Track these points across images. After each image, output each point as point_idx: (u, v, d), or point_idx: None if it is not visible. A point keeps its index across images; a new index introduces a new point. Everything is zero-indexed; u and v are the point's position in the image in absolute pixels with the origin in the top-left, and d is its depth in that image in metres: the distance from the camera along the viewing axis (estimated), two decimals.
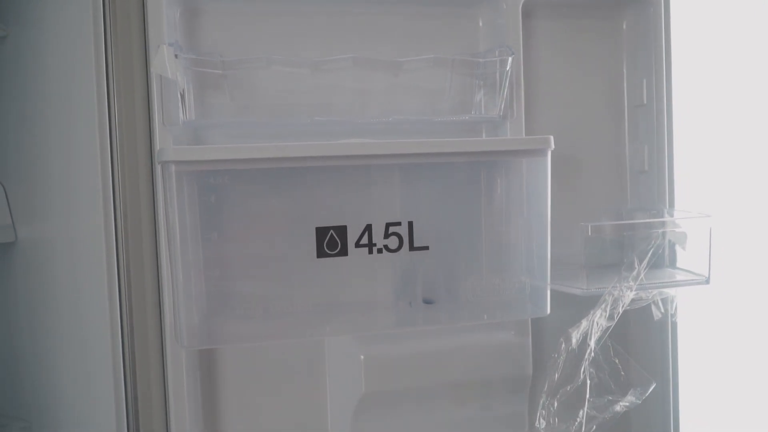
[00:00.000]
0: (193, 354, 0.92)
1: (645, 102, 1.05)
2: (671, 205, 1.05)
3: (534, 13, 1.02)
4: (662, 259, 1.01)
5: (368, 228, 0.84)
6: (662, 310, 0.96)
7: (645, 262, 0.86)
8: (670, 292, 0.96)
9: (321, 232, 0.83)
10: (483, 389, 1.00)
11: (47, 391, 0.98)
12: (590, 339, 0.84)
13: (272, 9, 0.94)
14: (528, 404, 1.01)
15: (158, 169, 0.87)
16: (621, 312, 0.86)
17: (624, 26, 1.07)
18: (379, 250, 0.84)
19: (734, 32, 1.12)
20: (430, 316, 0.91)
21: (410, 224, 0.85)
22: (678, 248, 1.00)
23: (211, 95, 0.93)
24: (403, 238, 0.85)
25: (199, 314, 0.82)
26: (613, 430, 0.91)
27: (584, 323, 0.85)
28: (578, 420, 0.83)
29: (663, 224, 0.92)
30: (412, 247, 0.85)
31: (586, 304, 0.90)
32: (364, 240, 0.84)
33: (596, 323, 0.84)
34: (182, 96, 0.88)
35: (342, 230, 0.83)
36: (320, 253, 0.83)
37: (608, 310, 0.85)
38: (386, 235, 0.84)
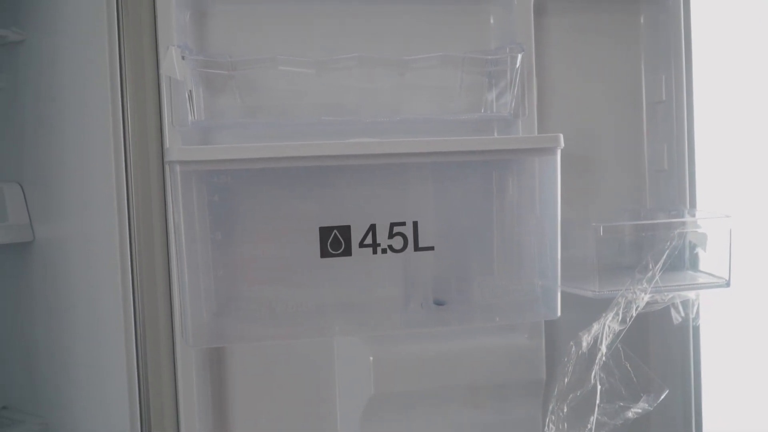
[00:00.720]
0: (202, 353, 0.93)
1: (664, 98, 1.02)
2: (692, 205, 1.02)
3: (547, 10, 1.00)
4: (682, 261, 0.98)
5: (372, 228, 0.83)
6: (682, 314, 0.93)
7: (660, 263, 0.84)
8: (690, 295, 0.92)
9: (324, 232, 0.83)
10: (494, 393, 0.99)
11: (63, 389, 1.00)
12: (601, 343, 0.81)
13: (280, 10, 0.94)
14: (542, 409, 0.99)
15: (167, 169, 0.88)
16: (634, 315, 0.84)
17: (641, 21, 1.04)
18: (384, 250, 0.83)
19: (758, 25, 1.08)
20: (441, 317, 0.90)
21: (415, 224, 0.84)
22: (699, 250, 0.96)
23: (220, 96, 0.93)
24: (407, 238, 0.84)
25: (204, 313, 0.83)
26: None
27: (595, 327, 0.83)
28: (588, 426, 0.81)
29: (678, 225, 0.89)
30: (417, 247, 0.84)
31: (603, 307, 0.88)
32: (368, 240, 0.83)
33: (608, 327, 0.82)
34: (190, 97, 0.89)
35: (346, 230, 0.83)
36: (324, 253, 0.83)
37: (621, 313, 0.83)
38: (391, 235, 0.84)
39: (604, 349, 0.82)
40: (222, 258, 0.82)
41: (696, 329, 1.01)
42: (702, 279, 0.95)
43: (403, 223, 0.84)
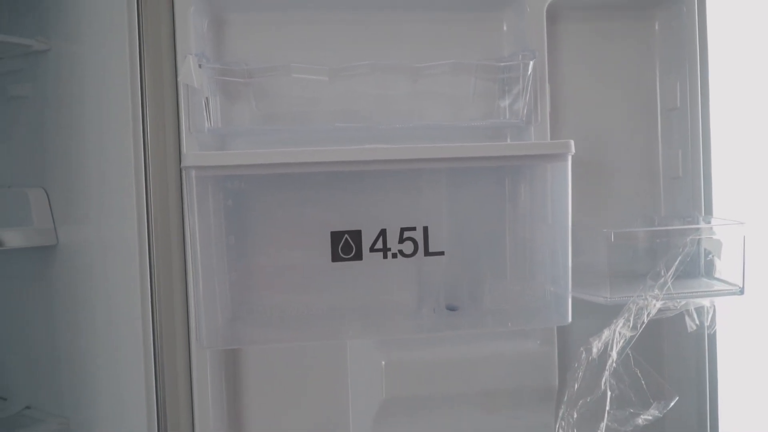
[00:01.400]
0: (217, 356, 0.94)
1: (679, 105, 1.02)
2: (708, 212, 1.01)
3: (560, 17, 1.00)
4: (697, 268, 0.97)
5: (383, 233, 0.84)
6: (696, 322, 0.92)
7: (672, 270, 0.83)
8: (704, 302, 0.92)
9: (336, 237, 0.84)
10: (506, 399, 0.99)
11: (84, 389, 1.02)
12: (611, 349, 0.81)
13: (296, 17, 0.96)
14: (555, 415, 0.98)
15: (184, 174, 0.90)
16: (646, 322, 0.83)
17: (656, 27, 1.04)
18: (394, 255, 0.84)
19: None
20: (452, 321, 0.90)
21: (425, 229, 0.85)
22: (713, 257, 0.96)
23: (236, 103, 0.95)
24: (418, 243, 0.85)
25: (218, 315, 0.84)
26: None
27: (606, 333, 0.83)
28: None
29: (690, 231, 0.88)
30: (427, 252, 0.85)
31: (616, 314, 0.87)
32: (379, 245, 0.84)
33: (618, 333, 0.82)
34: (206, 104, 0.91)
35: (357, 235, 0.84)
36: (335, 257, 0.84)
37: (632, 319, 0.82)
38: (401, 240, 0.84)
39: (614, 355, 0.82)
40: (235, 261, 0.84)
41: (711, 337, 1.00)
42: (716, 286, 0.94)
43: (413, 228, 0.85)
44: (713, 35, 1.02)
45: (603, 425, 0.81)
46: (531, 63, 0.94)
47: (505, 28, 1.00)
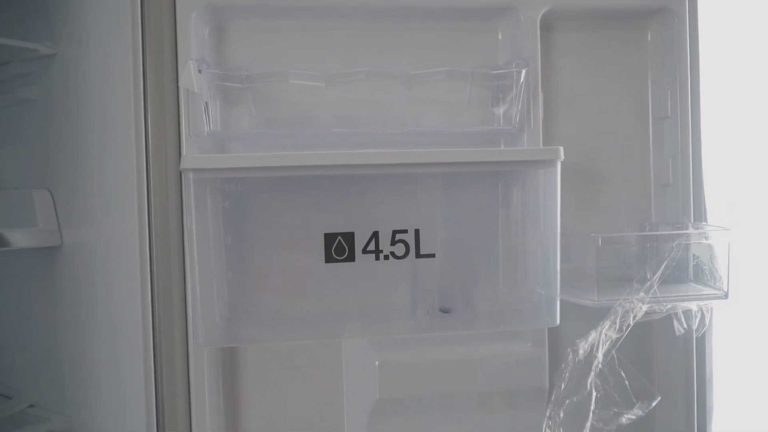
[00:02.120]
0: (215, 357, 0.96)
1: (669, 114, 1.03)
2: (697, 218, 1.02)
3: (554, 26, 1.02)
4: (686, 273, 0.99)
5: (375, 235, 0.86)
6: (684, 326, 0.94)
7: (658, 274, 0.85)
8: (692, 306, 0.93)
9: (329, 238, 0.86)
10: (498, 400, 1.00)
11: (87, 388, 1.03)
12: (597, 351, 0.83)
13: (296, 25, 0.98)
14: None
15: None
16: (631, 324, 0.85)
17: (648, 37, 1.06)
18: (386, 257, 0.86)
19: (765, 41, 1.09)
20: (446, 322, 0.92)
21: (416, 232, 0.87)
22: (700, 262, 0.97)
23: (235, 108, 0.98)
24: (409, 245, 0.87)
25: (214, 314, 0.86)
26: None
27: (593, 335, 0.84)
28: None
29: (676, 237, 0.90)
30: (418, 254, 0.87)
31: (604, 317, 0.89)
32: (371, 246, 0.86)
33: (604, 335, 0.83)
34: (206, 109, 0.93)
35: (350, 236, 0.86)
36: (328, 259, 0.86)
37: (618, 322, 0.84)
38: (393, 242, 0.86)
39: (600, 356, 0.83)
40: (232, 262, 0.86)
41: (699, 340, 1.02)
42: (703, 291, 0.95)
43: (405, 231, 0.87)
44: (704, 45, 1.03)
45: (588, 424, 0.82)
46: (523, 71, 0.96)
47: (500, 36, 1.02)
